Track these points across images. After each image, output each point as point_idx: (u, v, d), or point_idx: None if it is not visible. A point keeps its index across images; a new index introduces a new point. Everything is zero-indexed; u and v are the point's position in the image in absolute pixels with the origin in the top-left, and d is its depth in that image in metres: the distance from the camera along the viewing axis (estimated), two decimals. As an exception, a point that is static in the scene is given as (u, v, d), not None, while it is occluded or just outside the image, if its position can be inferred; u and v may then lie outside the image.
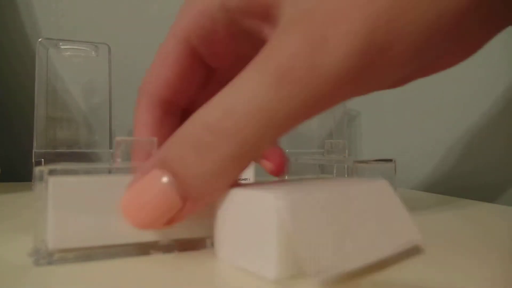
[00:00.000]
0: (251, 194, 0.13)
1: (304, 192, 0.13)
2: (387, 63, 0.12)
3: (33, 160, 0.40)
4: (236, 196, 0.14)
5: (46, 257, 0.14)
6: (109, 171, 0.16)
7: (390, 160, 0.30)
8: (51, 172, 0.14)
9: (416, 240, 0.15)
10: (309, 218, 0.12)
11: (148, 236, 0.15)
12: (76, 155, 0.45)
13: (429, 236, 0.18)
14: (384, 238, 0.14)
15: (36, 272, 0.13)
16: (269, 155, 0.23)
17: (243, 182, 0.37)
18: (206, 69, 0.18)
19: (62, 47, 0.44)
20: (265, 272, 0.13)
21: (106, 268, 0.14)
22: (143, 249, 0.15)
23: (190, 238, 0.16)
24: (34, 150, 0.40)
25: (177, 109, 0.19)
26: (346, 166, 0.27)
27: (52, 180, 0.14)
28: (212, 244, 0.15)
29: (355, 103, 0.55)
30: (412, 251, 0.15)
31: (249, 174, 0.45)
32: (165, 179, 0.12)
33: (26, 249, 0.14)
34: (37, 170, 0.14)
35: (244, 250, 0.14)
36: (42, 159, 0.40)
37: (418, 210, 0.26)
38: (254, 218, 0.13)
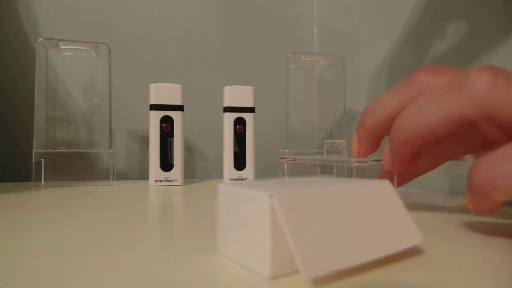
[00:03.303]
0: (247, 192, 0.14)
1: (298, 190, 0.13)
2: None
3: (33, 160, 0.40)
4: (234, 194, 0.15)
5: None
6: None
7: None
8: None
9: (416, 240, 0.15)
10: (303, 216, 0.12)
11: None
12: (76, 155, 0.45)
13: (429, 236, 0.18)
14: (384, 237, 0.14)
15: None
16: None
17: (243, 181, 0.37)
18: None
19: (62, 47, 0.44)
20: (261, 269, 0.13)
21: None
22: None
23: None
24: (34, 150, 0.40)
25: None
26: (346, 166, 0.27)
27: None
28: None
29: (355, 103, 0.55)
30: (412, 251, 0.15)
31: (249, 174, 0.45)
32: None
33: (23, 250, 0.14)
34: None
35: (242, 247, 0.14)
36: (42, 159, 0.40)
37: (418, 210, 0.26)
38: (249, 216, 0.13)
